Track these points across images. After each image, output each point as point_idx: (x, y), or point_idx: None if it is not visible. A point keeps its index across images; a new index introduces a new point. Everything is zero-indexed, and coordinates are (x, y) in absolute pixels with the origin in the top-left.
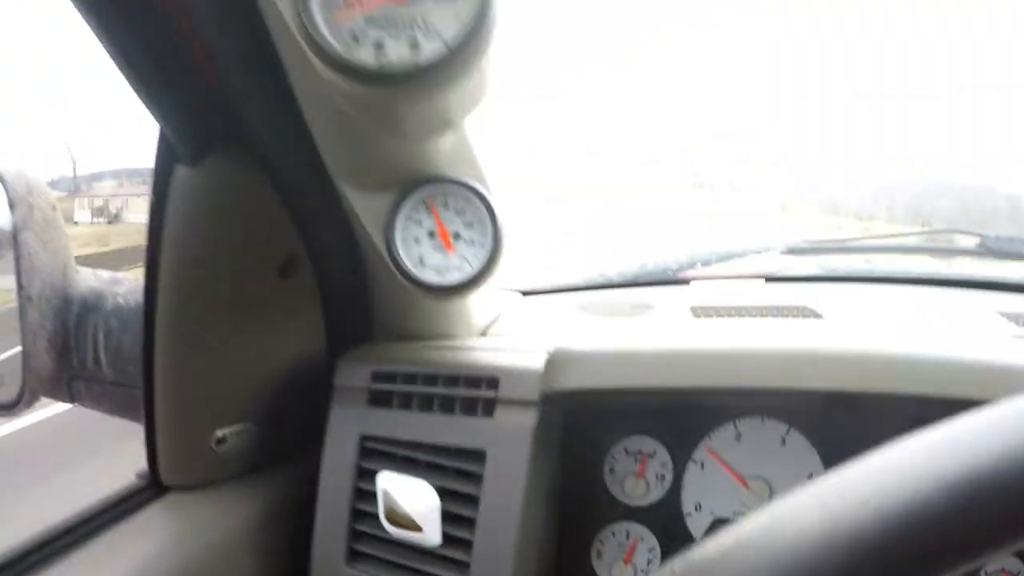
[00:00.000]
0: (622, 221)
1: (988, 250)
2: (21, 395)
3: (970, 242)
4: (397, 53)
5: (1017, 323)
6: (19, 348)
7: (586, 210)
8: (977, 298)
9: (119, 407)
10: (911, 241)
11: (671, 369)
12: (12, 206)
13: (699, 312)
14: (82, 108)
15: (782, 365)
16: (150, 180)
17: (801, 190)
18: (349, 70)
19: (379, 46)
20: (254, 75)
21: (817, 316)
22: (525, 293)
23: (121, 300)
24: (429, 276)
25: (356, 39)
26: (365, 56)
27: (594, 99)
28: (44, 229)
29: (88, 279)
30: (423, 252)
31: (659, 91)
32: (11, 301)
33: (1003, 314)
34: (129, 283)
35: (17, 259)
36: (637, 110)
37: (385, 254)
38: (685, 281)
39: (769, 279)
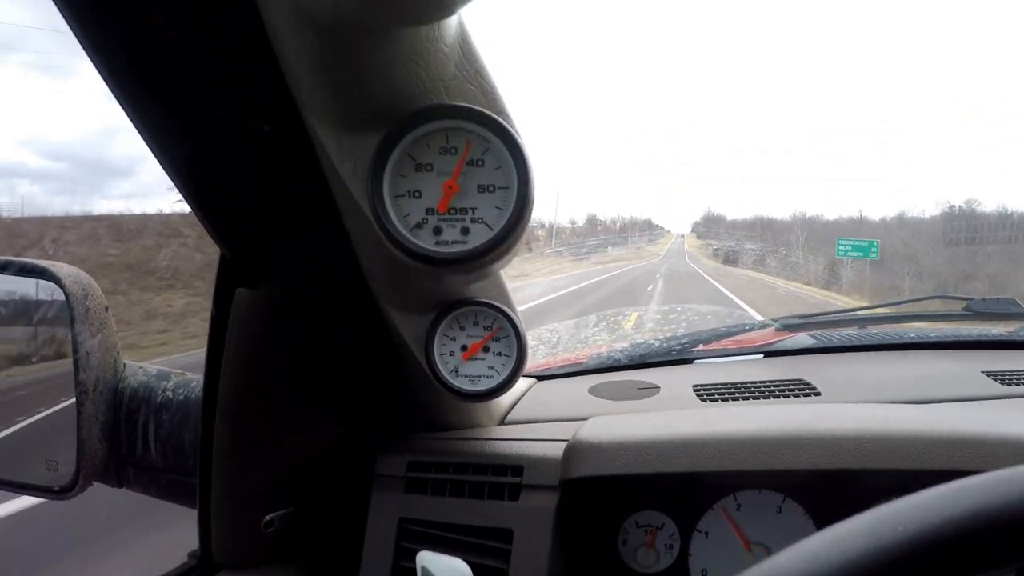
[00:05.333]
0: None
1: (973, 312)
2: (76, 480)
3: (956, 306)
4: (452, 236)
5: (999, 381)
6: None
7: None
8: (963, 358)
9: (166, 491)
10: (900, 309)
11: (676, 456)
12: (71, 308)
13: (702, 392)
14: None
15: (779, 448)
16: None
17: None
18: (411, 253)
19: (438, 231)
20: (311, 217)
21: (813, 390)
22: (539, 378)
23: (170, 394)
24: (463, 384)
25: (419, 226)
26: (426, 241)
27: None
28: (98, 329)
29: (136, 373)
30: (457, 364)
31: None
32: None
33: (986, 373)
34: (176, 379)
35: (74, 356)
36: None
37: (425, 367)
38: (688, 360)
39: (768, 354)
